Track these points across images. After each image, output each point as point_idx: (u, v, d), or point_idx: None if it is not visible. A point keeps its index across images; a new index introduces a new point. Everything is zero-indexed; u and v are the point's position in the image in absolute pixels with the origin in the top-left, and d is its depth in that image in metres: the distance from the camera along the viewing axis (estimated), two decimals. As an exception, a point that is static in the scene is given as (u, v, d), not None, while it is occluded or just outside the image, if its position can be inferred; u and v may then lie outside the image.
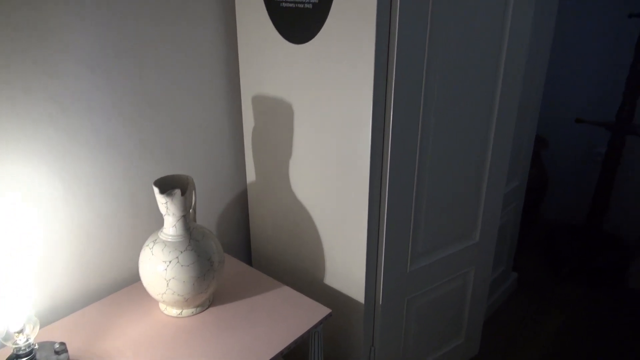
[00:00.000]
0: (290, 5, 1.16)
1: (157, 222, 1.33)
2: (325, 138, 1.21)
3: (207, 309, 1.18)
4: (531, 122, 1.89)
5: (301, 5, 1.14)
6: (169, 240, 1.08)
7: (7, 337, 0.91)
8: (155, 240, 1.09)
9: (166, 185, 1.09)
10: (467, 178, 1.38)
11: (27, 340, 0.92)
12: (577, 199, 2.54)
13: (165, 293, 1.08)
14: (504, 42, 1.28)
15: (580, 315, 2.05)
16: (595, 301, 2.13)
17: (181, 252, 1.07)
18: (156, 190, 1.03)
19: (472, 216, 1.46)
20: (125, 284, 1.31)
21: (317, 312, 1.17)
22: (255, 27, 1.29)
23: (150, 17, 1.19)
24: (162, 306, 1.17)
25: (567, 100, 2.47)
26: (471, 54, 1.22)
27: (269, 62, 1.28)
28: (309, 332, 1.12)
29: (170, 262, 1.06)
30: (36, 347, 0.95)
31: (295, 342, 1.08)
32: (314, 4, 1.11)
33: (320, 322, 1.15)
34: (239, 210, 1.58)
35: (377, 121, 1.10)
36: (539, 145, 2.28)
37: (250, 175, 1.49)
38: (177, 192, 1.04)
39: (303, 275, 1.45)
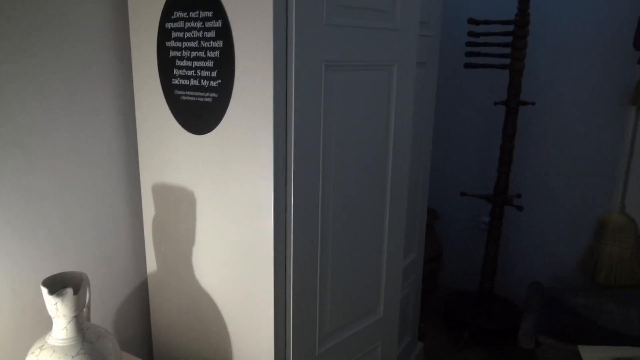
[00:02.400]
0: (191, 98, 1.21)
1: (46, 325, 1.22)
2: (229, 225, 1.22)
3: (102, 418, 1.07)
4: (422, 198, 2.05)
5: (201, 99, 1.19)
6: (59, 344, 0.99)
7: None
8: (43, 345, 1.00)
9: (56, 285, 1.02)
10: (368, 255, 1.45)
11: None
12: (470, 265, 2.74)
13: (52, 406, 0.98)
14: (390, 131, 1.42)
15: (482, 379, 2.14)
16: (495, 363, 2.25)
17: (72, 358, 0.98)
18: (45, 291, 0.96)
19: (375, 292, 1.52)
20: (4, 399, 1.16)
21: (225, 408, 1.11)
22: (155, 118, 1.30)
23: (41, 105, 1.16)
24: (48, 421, 1.05)
25: (453, 177, 2.73)
26: (362, 141, 1.33)
27: (170, 152, 1.29)
28: None
29: (59, 369, 0.97)
30: None
31: None
32: (213, 97, 1.16)
33: (229, 419, 1.09)
34: (139, 303, 1.49)
35: (278, 207, 1.14)
36: (431, 217, 2.45)
37: (151, 266, 1.44)
38: (69, 291, 0.97)
39: (209, 367, 1.39)
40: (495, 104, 2.27)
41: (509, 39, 2.17)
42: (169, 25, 1.21)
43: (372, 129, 1.36)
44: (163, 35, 1.23)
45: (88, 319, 1.09)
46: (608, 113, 2.27)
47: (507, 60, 2.26)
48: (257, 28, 1.05)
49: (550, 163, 2.45)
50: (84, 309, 1.06)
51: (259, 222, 1.16)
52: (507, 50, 2.19)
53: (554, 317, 2.17)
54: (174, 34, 1.20)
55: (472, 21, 2.20)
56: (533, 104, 2.24)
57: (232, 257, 1.24)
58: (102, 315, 1.38)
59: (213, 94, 1.16)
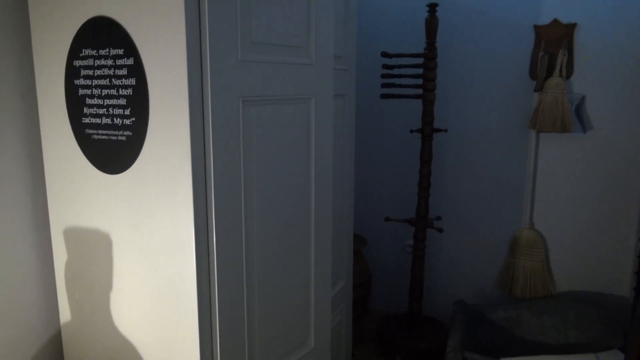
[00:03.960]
0: (103, 137, 1.17)
1: (-61, 391, 1.10)
2: (149, 267, 1.18)
3: None
4: (348, 225, 2.09)
5: (114, 137, 1.15)
6: (-45, 414, 0.89)
7: None
8: None
9: (-49, 346, 0.92)
10: (295, 287, 1.45)
11: None
12: (398, 288, 2.80)
13: None
14: (312, 161, 1.44)
15: (416, 401, 2.17)
16: (427, 384, 2.29)
17: None
18: (-63, 355, 0.87)
19: (305, 323, 1.51)
20: None
21: None
22: (65, 158, 1.24)
23: None
24: None
25: (377, 203, 2.81)
26: (284, 173, 1.34)
27: (83, 194, 1.23)
28: None
29: None
30: None
31: None
32: (127, 136, 1.13)
33: None
34: (53, 357, 1.38)
35: (200, 245, 1.12)
36: (359, 244, 2.50)
37: (65, 316, 1.34)
38: (-34, 352, 0.89)
39: (133, 420, 1.30)
40: (412, 131, 2.38)
41: (421, 70, 2.30)
42: (77, 62, 1.17)
43: (293, 161, 1.38)
44: (71, 73, 1.18)
45: (-10, 382, 0.99)
46: (512, 137, 2.46)
47: (420, 91, 2.40)
48: (170, 65, 1.04)
49: (466, 185, 2.60)
50: (-15, 371, 0.96)
51: (180, 262, 1.13)
52: (419, 81, 2.32)
53: (478, 333, 2.27)
54: (83, 72, 1.16)
55: (385, 54, 2.31)
56: (446, 130, 2.38)
57: (153, 301, 1.19)
58: (8, 375, 1.27)
59: (127, 132, 1.13)
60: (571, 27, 2.25)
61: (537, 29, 2.31)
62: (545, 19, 2.30)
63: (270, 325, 1.36)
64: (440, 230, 2.37)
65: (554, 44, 2.27)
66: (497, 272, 2.57)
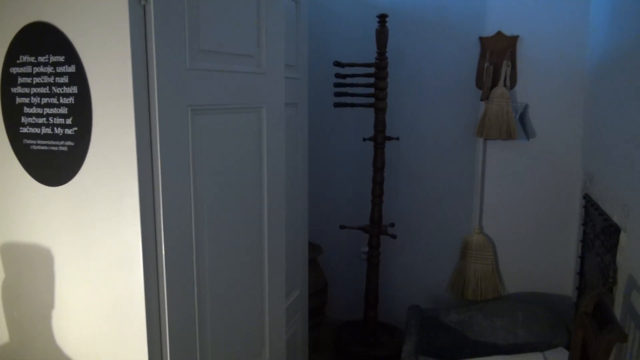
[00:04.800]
0: (43, 147, 1.11)
1: None
2: (94, 283, 1.13)
3: None
4: (302, 234, 2.09)
5: (55, 148, 1.10)
6: None
7: None
8: None
9: None
10: (249, 299, 1.43)
11: None
12: (354, 295, 2.82)
13: None
14: (264, 170, 1.43)
15: (373, 408, 2.18)
16: (384, 390, 2.30)
17: None
18: None
19: (259, 335, 1.49)
20: None
21: None
22: (1, 171, 1.18)
23: None
24: None
25: (332, 211, 2.82)
26: (236, 182, 1.33)
27: (20, 207, 1.17)
28: None
29: None
30: None
31: None
32: (69, 146, 1.09)
33: None
34: (-11, 382, 1.30)
35: (148, 258, 1.08)
36: (314, 252, 2.50)
37: (3, 337, 1.27)
38: None
39: None
40: (364, 140, 2.41)
41: (372, 80, 2.34)
42: (14, 70, 1.11)
43: (245, 170, 1.36)
44: (7, 80, 1.13)
45: None
46: (461, 144, 2.54)
47: (372, 99, 2.43)
48: (115, 73, 1.01)
49: (418, 192, 2.66)
50: None
51: (127, 276, 1.09)
52: (371, 90, 2.35)
53: (432, 337, 2.31)
54: (20, 79, 1.11)
55: (337, 64, 2.34)
56: (397, 139, 2.42)
57: (98, 318, 1.14)
58: (-62, 404, 1.18)
59: (69, 142, 1.09)
60: (514, 39, 2.35)
61: (483, 40, 2.40)
62: (490, 31, 2.39)
63: (223, 339, 1.33)
64: (393, 236, 2.40)
65: (498, 55, 2.36)
66: (449, 276, 2.63)
